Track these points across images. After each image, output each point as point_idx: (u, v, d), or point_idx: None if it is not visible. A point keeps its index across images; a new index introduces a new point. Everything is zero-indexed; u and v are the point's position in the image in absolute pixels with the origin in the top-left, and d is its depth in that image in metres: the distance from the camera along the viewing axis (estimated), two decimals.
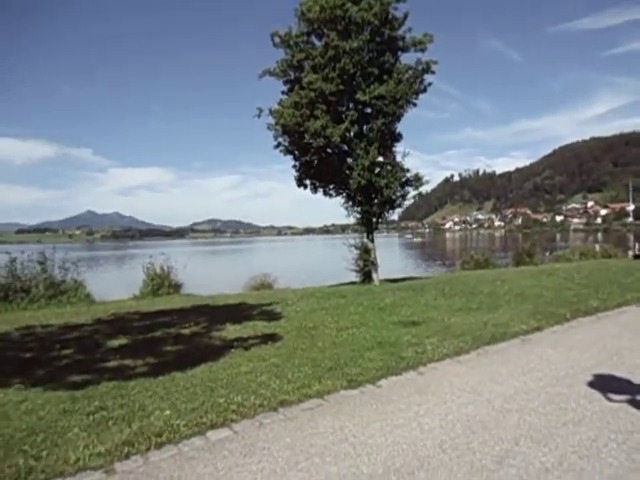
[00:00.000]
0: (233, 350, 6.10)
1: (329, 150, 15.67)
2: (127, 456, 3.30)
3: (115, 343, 6.84)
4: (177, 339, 6.98)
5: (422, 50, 15.51)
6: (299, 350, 6.04)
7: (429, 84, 15.75)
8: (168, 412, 3.99)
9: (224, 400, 4.25)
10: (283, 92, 16.30)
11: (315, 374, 4.97)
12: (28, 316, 10.86)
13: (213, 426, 3.78)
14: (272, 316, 8.69)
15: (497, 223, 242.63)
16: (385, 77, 15.13)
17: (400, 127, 16.03)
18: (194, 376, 5.02)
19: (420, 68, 15.40)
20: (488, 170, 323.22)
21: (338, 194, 16.61)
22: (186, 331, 7.56)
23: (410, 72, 15.31)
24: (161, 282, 15.53)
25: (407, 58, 15.70)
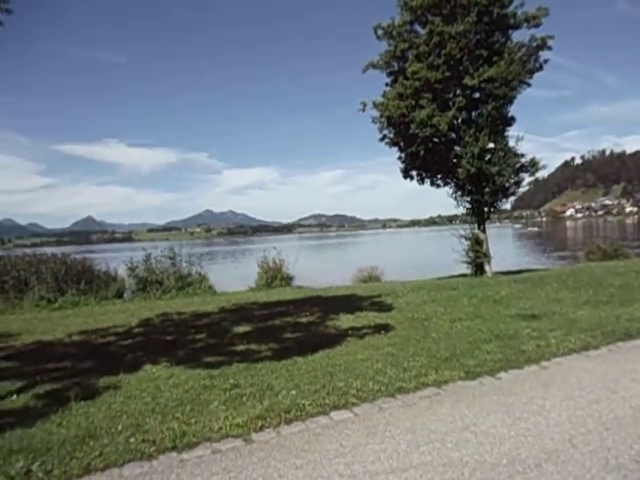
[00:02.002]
0: (348, 338, 6.35)
1: (436, 139, 15.30)
2: (261, 428, 3.66)
3: (240, 330, 7.48)
4: (295, 327, 7.43)
5: (536, 25, 14.44)
6: (413, 340, 6.09)
7: (545, 61, 14.64)
8: (294, 392, 4.33)
9: (344, 384, 4.48)
10: (387, 84, 16.23)
11: (431, 364, 5.00)
12: (163, 304, 12.23)
13: (335, 407, 4.02)
14: (383, 307, 8.81)
15: (629, 209, 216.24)
16: (495, 58, 14.35)
17: (512, 110, 15.12)
18: (314, 361, 5.34)
19: (534, 45, 14.36)
20: (616, 150, 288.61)
21: (446, 184, 16.16)
22: (303, 320, 8.00)
23: (523, 50, 14.35)
24: (274, 275, 16.40)
25: (519, 35, 14.73)
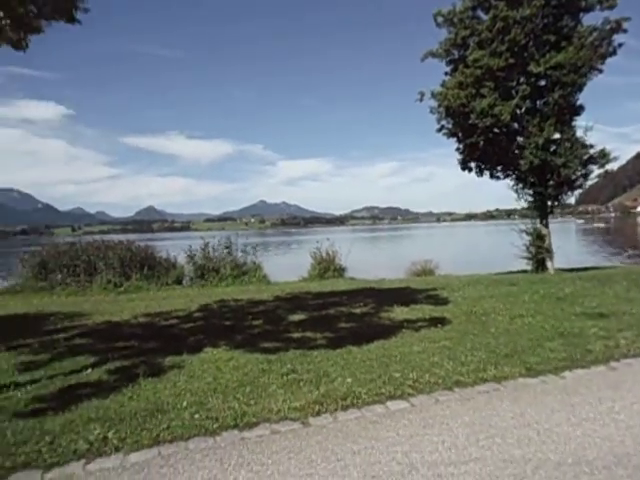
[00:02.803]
0: (403, 330, 6.31)
1: (497, 130, 14.77)
2: (318, 413, 3.74)
3: (295, 318, 7.62)
4: (349, 317, 7.48)
5: (610, 7, 13.54)
6: (470, 335, 5.96)
7: (619, 45, 13.70)
8: (349, 380, 4.37)
9: (400, 375, 4.47)
10: (446, 73, 15.80)
11: (490, 359, 4.89)
12: (220, 292, 12.65)
13: (391, 397, 4.03)
14: (438, 301, 8.67)
15: None
16: (563, 43, 13.61)
17: (581, 98, 14.30)
18: (369, 351, 5.36)
19: (608, 28, 13.46)
20: None
21: (506, 176, 15.59)
22: (357, 311, 8.03)
23: (595, 34, 13.49)
24: (327, 266, 16.50)
25: (591, 18, 13.86)
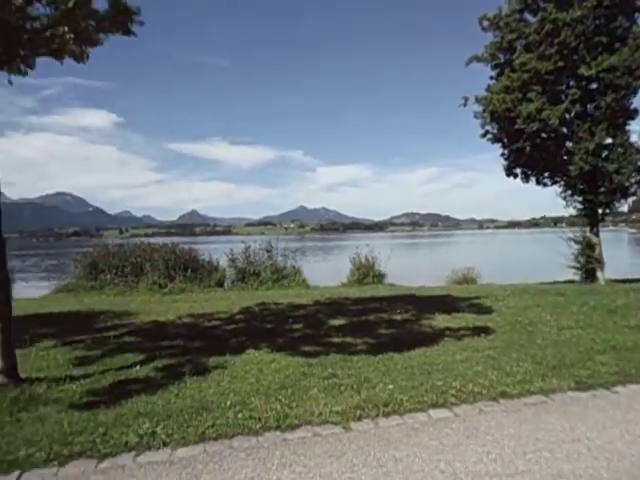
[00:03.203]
0: (445, 338, 6.22)
1: (544, 135, 14.33)
2: (359, 418, 3.74)
3: (335, 323, 7.64)
4: (390, 324, 7.43)
5: None
6: (516, 345, 5.80)
7: None
8: (391, 386, 4.35)
9: (442, 383, 4.41)
10: (491, 77, 15.51)
11: (537, 371, 4.74)
12: (260, 295, 12.83)
13: (434, 405, 3.98)
14: (481, 309, 8.48)
15: None
16: (617, 45, 13.07)
17: (636, 102, 13.70)
18: (410, 358, 5.31)
19: None
20: None
21: (554, 183, 15.09)
22: (397, 317, 7.97)
23: None
24: (366, 272, 16.44)
25: None
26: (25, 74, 5.38)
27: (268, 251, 16.55)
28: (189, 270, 15.90)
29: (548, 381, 4.48)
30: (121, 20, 5.34)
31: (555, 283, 14.17)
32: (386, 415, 3.80)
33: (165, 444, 3.36)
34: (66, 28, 4.74)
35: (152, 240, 19.95)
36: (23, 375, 4.79)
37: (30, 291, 16.70)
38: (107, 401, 4.15)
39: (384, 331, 6.92)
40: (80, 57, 5.13)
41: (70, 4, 4.47)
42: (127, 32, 5.54)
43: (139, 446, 3.33)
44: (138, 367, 5.23)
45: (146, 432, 3.49)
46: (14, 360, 4.68)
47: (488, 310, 8.41)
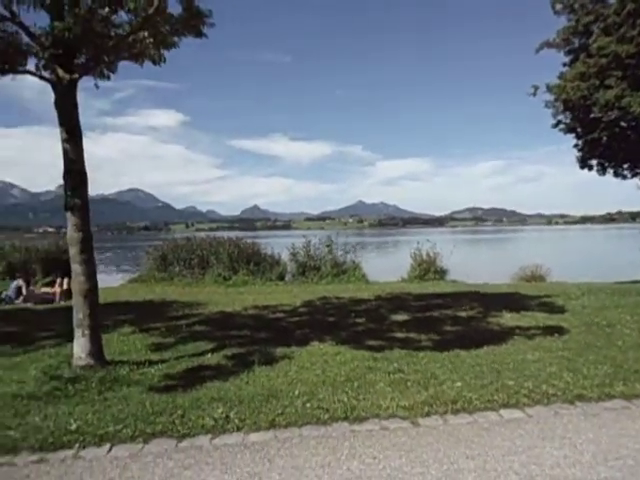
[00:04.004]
0: (515, 337, 6.00)
1: (623, 124, 13.37)
2: (428, 414, 3.71)
3: (398, 318, 7.60)
4: (455, 321, 7.28)
5: None
6: (592, 347, 5.49)
7: None
8: (459, 384, 4.27)
9: (513, 383, 4.27)
10: (564, 64, 14.66)
11: (617, 374, 4.47)
12: (321, 289, 12.96)
13: (505, 405, 3.87)
14: (553, 309, 8.08)
15: None
16: None
17: None
18: (478, 356, 5.18)
19: None
20: None
21: (635, 175, 14.06)
22: (462, 314, 7.78)
23: None
24: (427, 267, 16.16)
25: None
26: (108, 78, 5.77)
27: (328, 246, 16.68)
28: (252, 263, 16.37)
29: (630, 385, 4.22)
30: (193, 23, 5.57)
31: (636, 282, 13.20)
32: (455, 413, 3.75)
33: (238, 428, 3.51)
34: (146, 33, 5.02)
35: (216, 234, 20.69)
36: (108, 358, 5.17)
37: (107, 281, 17.91)
38: (183, 385, 4.39)
39: (449, 328, 6.79)
40: (158, 60, 5.42)
41: (151, 10, 4.73)
42: (199, 34, 5.77)
43: (214, 429, 3.51)
44: (209, 355, 5.49)
45: (220, 416, 3.67)
46: (100, 344, 5.06)
47: (560, 309, 8.00)
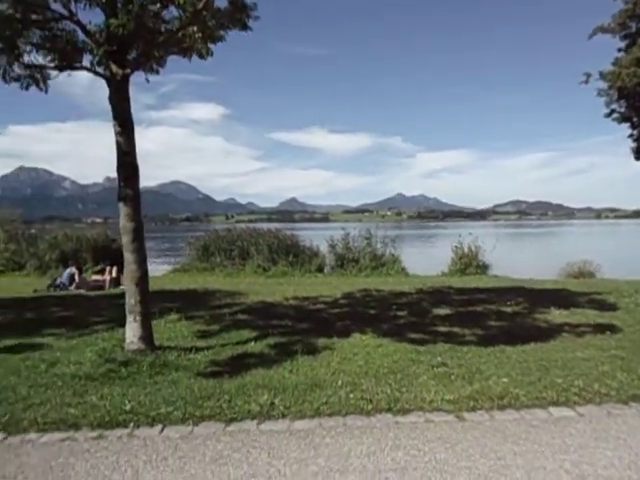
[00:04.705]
0: (563, 334, 5.82)
1: None
2: (473, 409, 3.67)
3: (440, 312, 7.51)
4: (499, 316, 7.12)
5: None
6: None
7: None
8: (505, 380, 4.19)
9: (562, 381, 4.15)
10: (619, 49, 13.89)
11: None
12: (361, 281, 12.96)
13: (554, 403, 3.77)
14: (604, 306, 7.76)
15: None
16: None
17: None
18: (525, 352, 5.06)
19: None
20: None
21: None
22: (507, 309, 7.61)
23: None
24: (469, 261, 15.82)
25: None
26: (157, 73, 5.94)
27: (367, 238, 16.62)
28: (291, 255, 16.51)
29: None
30: (238, 17, 5.63)
31: None
32: (501, 408, 3.68)
33: (284, 415, 3.59)
34: (195, 28, 5.12)
35: (255, 226, 20.99)
36: (156, 343, 5.37)
37: (151, 270, 18.50)
38: (229, 372, 4.52)
39: (493, 323, 6.65)
40: (205, 54, 5.53)
41: (200, 5, 4.83)
42: (244, 27, 5.82)
43: (260, 415, 3.59)
44: (253, 343, 5.61)
45: (265, 403, 3.75)
46: (151, 329, 5.27)
47: (612, 307, 7.68)
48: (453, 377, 4.31)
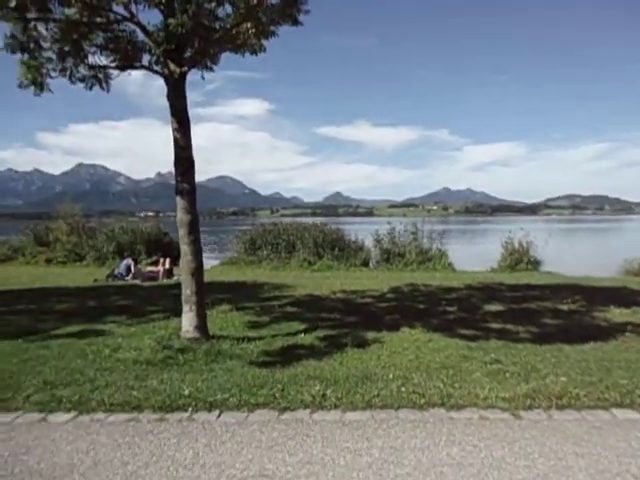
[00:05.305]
0: (626, 334, 5.54)
1: None
2: (530, 407, 3.57)
3: (492, 308, 7.33)
4: (555, 313, 6.87)
5: None
6: None
7: None
8: (564, 379, 4.05)
9: (627, 382, 3.97)
10: None
11: None
12: (407, 276, 12.83)
13: (618, 405, 3.60)
14: None
15: None
16: None
17: None
18: (584, 352, 4.87)
19: None
20: None
21: None
22: (563, 307, 7.33)
23: None
24: (519, 257, 15.34)
25: None
26: (212, 70, 6.10)
27: (413, 233, 16.43)
28: (336, 249, 16.57)
29: None
30: (289, 12, 5.66)
31: None
32: (560, 408, 3.56)
33: (336, 406, 3.63)
34: (249, 24, 5.21)
35: (299, 220, 21.18)
36: (210, 332, 5.55)
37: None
38: (280, 362, 4.61)
39: (549, 321, 6.43)
40: (258, 50, 5.62)
41: (254, 1, 4.91)
42: (295, 22, 5.86)
43: (312, 405, 3.65)
44: (302, 335, 5.69)
45: (318, 393, 3.81)
46: (205, 319, 5.45)
47: None
48: (508, 375, 4.20)
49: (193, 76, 6.11)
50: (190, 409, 3.60)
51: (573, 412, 3.52)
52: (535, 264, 15.20)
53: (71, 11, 5.04)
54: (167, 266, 12.87)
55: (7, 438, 3.18)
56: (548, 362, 4.53)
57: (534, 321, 6.34)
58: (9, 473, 2.75)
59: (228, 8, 5.40)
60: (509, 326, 6.06)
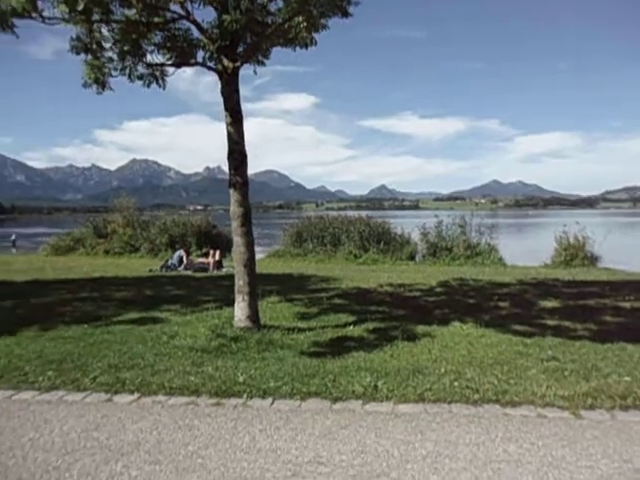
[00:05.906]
0: None
1: None
2: (591, 407, 3.43)
3: (547, 304, 7.07)
4: (616, 311, 6.55)
5: None
6: None
7: None
8: (627, 378, 3.87)
9: None
10: None
11: None
12: (455, 270, 12.60)
13: None
14: None
15: None
16: None
17: None
18: None
19: None
20: None
21: None
22: (625, 304, 6.97)
23: None
24: (575, 253, 14.69)
25: None
26: (263, 64, 6.18)
27: (461, 226, 16.08)
28: (382, 242, 16.47)
29: None
30: (339, 3, 5.64)
31: None
32: (624, 409, 3.41)
33: (387, 398, 3.63)
34: (300, 18, 5.24)
35: (345, 213, 21.13)
36: (261, 322, 5.68)
37: None
38: (331, 353, 4.66)
39: (609, 318, 6.13)
40: (310, 43, 5.65)
41: None
42: (345, 14, 5.83)
43: (364, 396, 3.68)
44: (351, 327, 5.72)
45: (369, 385, 3.83)
46: (257, 309, 5.58)
47: None
48: (566, 372, 4.05)
49: (243, 71, 6.23)
50: (245, 395, 3.71)
51: (638, 413, 3.36)
52: (592, 260, 14.52)
53: (131, 12, 5.25)
54: (217, 258, 13.24)
55: (79, 415, 3.41)
56: (610, 361, 4.33)
57: (593, 318, 6.06)
58: (82, 447, 2.95)
59: (280, 2, 5.45)
60: (566, 323, 5.83)
